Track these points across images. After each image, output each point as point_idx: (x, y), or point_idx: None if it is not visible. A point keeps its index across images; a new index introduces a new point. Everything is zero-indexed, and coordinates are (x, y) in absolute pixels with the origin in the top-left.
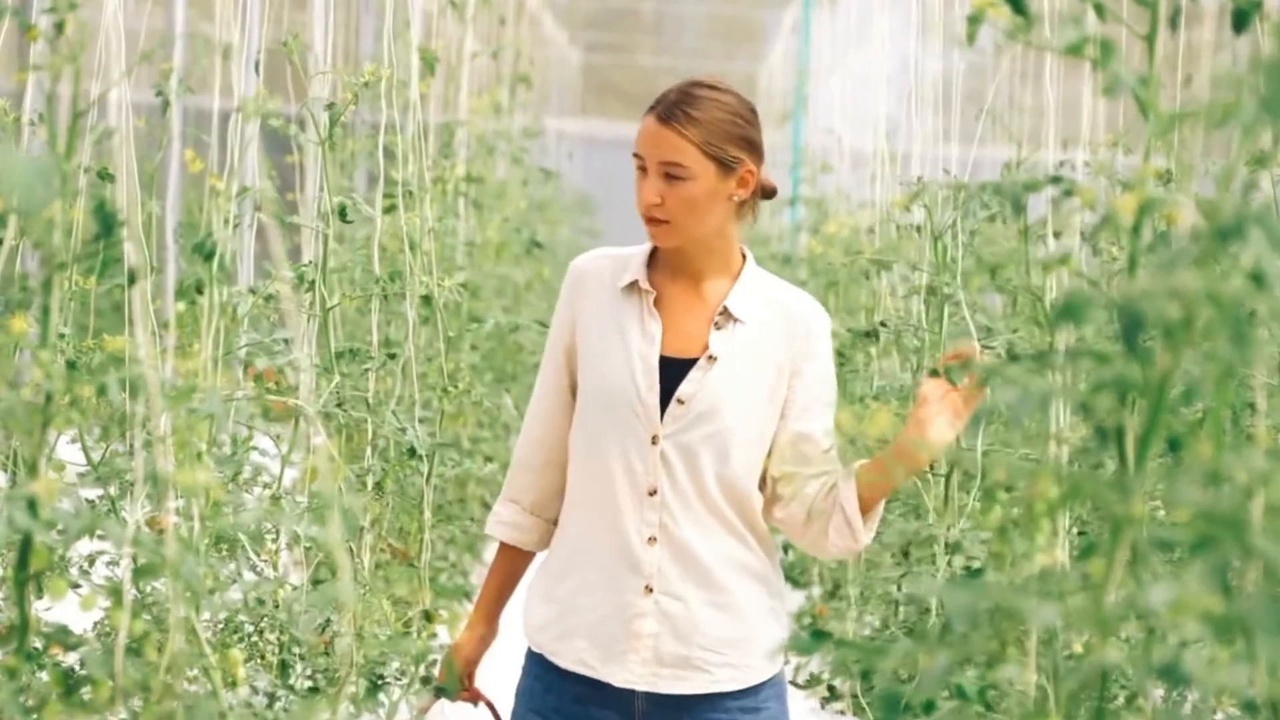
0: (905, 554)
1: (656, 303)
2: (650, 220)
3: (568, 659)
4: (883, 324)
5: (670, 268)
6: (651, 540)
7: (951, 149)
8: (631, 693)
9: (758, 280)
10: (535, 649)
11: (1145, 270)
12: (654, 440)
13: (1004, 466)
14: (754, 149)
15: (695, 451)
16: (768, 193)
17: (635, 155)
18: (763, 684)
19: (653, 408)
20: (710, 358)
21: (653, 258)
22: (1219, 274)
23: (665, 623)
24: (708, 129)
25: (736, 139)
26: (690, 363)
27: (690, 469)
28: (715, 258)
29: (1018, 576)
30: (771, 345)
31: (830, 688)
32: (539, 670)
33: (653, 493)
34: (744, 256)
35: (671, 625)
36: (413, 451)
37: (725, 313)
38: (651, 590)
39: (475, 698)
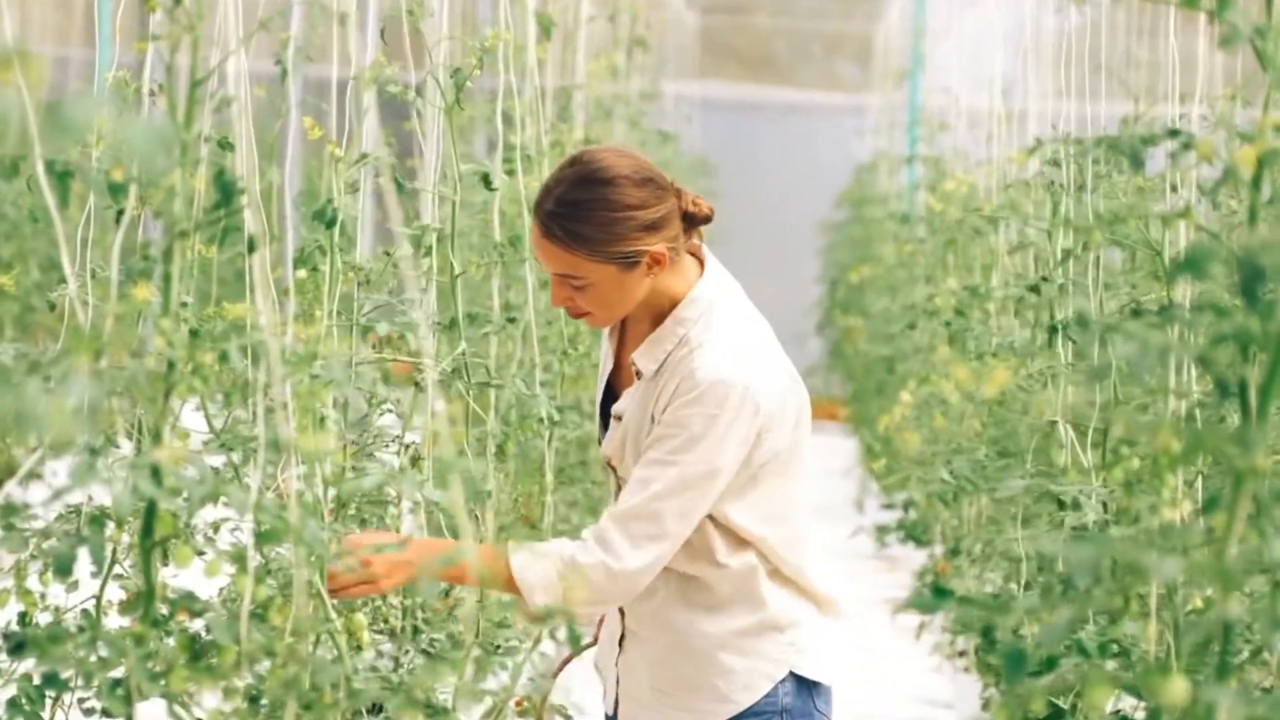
0: (1027, 510)
1: (624, 345)
2: (573, 315)
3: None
4: (1034, 289)
5: (634, 312)
6: None
7: (1068, 106)
8: None
9: (684, 323)
10: None
11: (1266, 222)
12: (613, 495)
13: (1125, 422)
14: (654, 228)
15: None
16: (702, 220)
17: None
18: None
19: (601, 462)
20: (617, 417)
21: None
22: None
23: (628, 660)
24: (593, 240)
25: (628, 235)
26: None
27: None
28: (665, 304)
29: (1140, 531)
30: (657, 399)
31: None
32: None
33: None
34: (700, 270)
35: (632, 662)
36: (543, 418)
37: (634, 365)
38: (623, 641)
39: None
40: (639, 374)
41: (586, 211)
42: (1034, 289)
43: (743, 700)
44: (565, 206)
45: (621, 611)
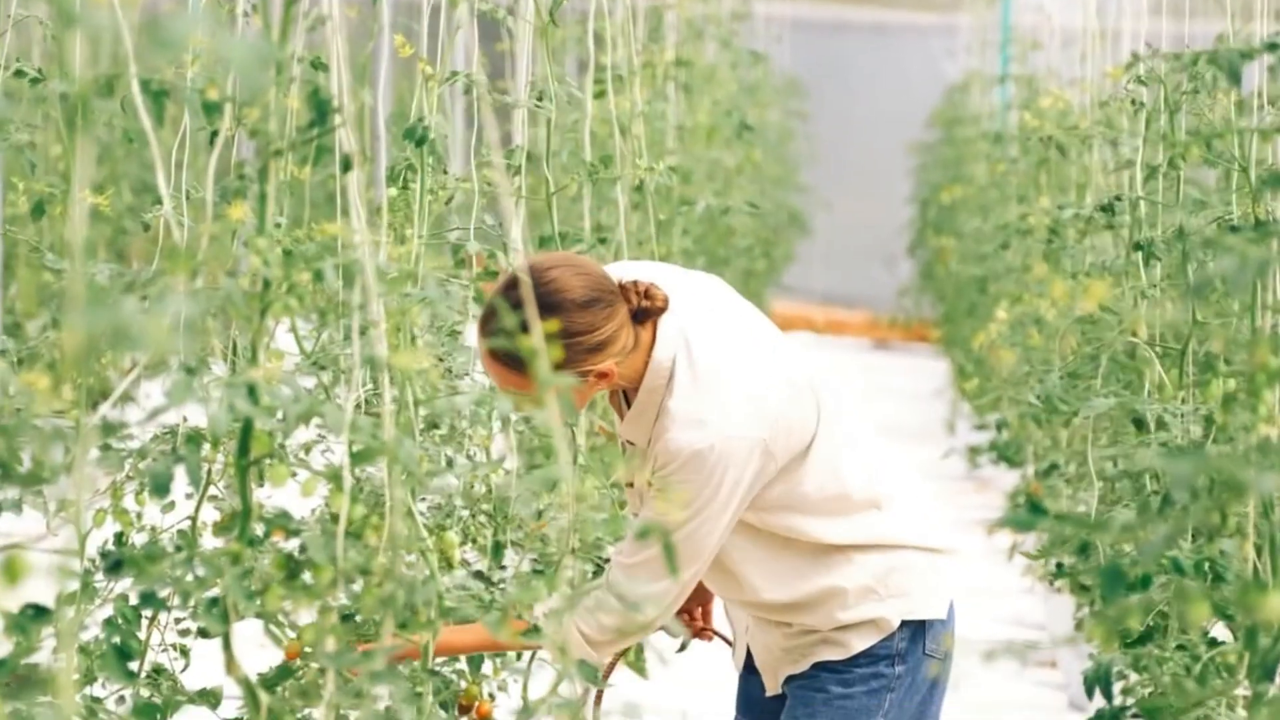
0: (1123, 428)
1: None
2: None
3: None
4: (1106, 209)
5: None
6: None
7: (1162, 24)
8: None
9: (655, 391)
10: None
11: None
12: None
13: (1222, 338)
14: (600, 349)
15: None
16: (656, 311)
17: None
18: (832, 663)
19: None
20: (629, 484)
21: None
22: None
23: (754, 641)
24: (504, 355)
25: (574, 360)
26: None
27: None
28: (635, 379)
29: (1237, 448)
30: (649, 465)
31: (1058, 565)
32: None
33: None
34: (659, 336)
35: (758, 642)
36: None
37: (624, 439)
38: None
39: (708, 635)
40: (632, 443)
41: (507, 324)
42: (1106, 209)
43: (856, 646)
44: (504, 323)
45: None
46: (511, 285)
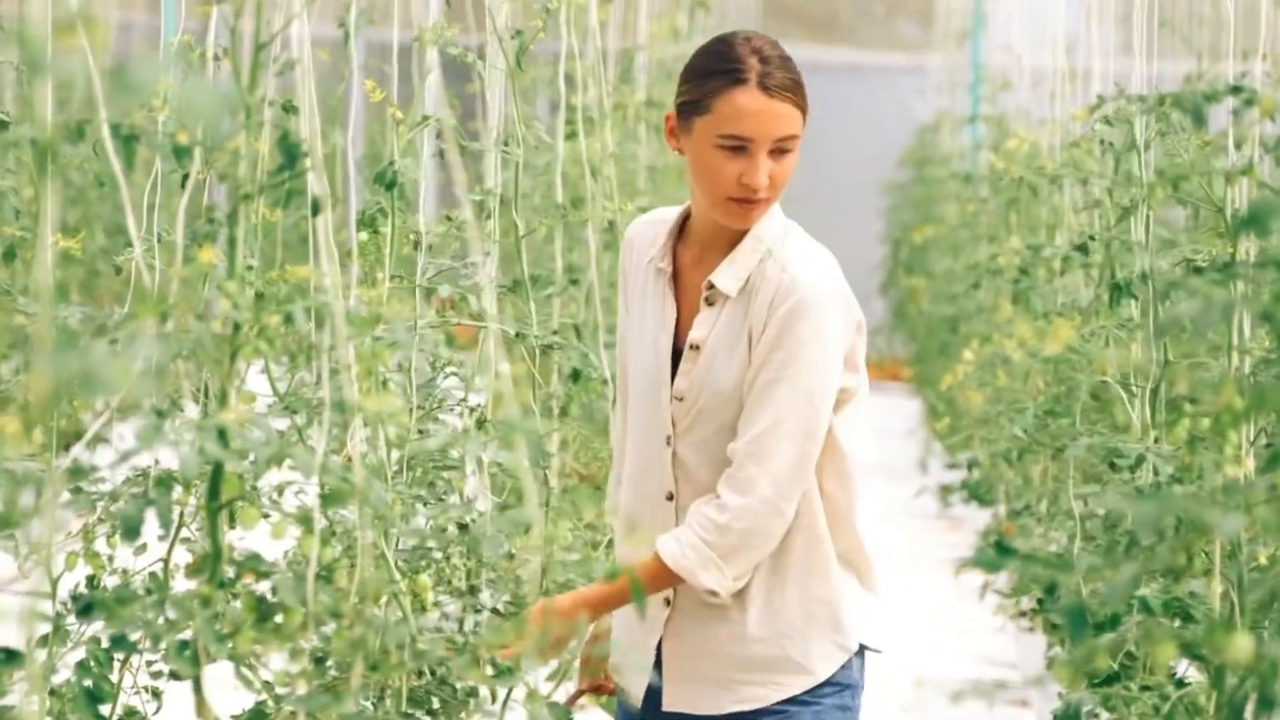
0: (1092, 469)
1: (680, 279)
2: (749, 202)
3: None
4: (1080, 248)
5: (702, 238)
6: None
7: (1132, 64)
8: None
9: (764, 238)
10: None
11: None
12: (667, 441)
13: (1188, 379)
14: None
15: (710, 450)
16: None
17: (731, 137)
18: (800, 696)
19: (664, 406)
20: (693, 347)
21: (684, 225)
22: None
23: (682, 641)
24: (802, 90)
25: (805, 90)
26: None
27: (710, 469)
28: (731, 233)
29: (1204, 488)
30: (750, 317)
31: (1036, 604)
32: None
33: (670, 498)
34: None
35: (689, 643)
36: (606, 379)
37: (712, 287)
38: (669, 604)
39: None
40: (711, 298)
41: (791, 64)
42: (1081, 248)
43: (818, 672)
44: (787, 61)
45: (667, 600)
46: (740, 35)
